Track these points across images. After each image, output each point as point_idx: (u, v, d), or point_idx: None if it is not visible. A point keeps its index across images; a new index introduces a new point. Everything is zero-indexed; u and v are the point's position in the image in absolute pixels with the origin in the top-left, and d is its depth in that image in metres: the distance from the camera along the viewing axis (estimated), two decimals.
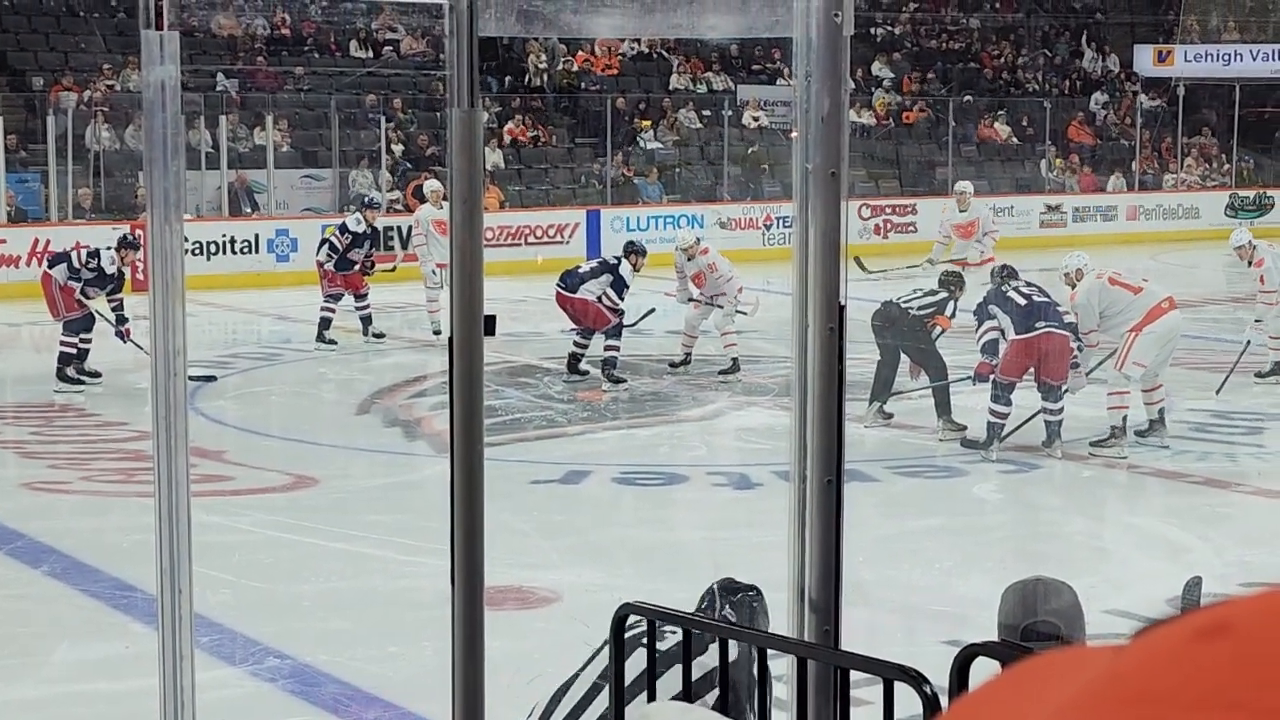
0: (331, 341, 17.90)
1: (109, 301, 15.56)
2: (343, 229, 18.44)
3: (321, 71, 29.24)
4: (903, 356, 13.76)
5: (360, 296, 18.30)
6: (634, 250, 16.16)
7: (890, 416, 13.63)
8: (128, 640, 8.35)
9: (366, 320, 18.32)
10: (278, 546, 10.37)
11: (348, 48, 30.13)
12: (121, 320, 15.63)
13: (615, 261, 15.98)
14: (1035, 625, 3.90)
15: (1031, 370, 12.48)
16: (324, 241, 18.85)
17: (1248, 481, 12.00)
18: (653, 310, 16.58)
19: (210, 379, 15.32)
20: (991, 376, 12.58)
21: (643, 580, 9.32)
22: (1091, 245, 30.34)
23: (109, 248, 15.78)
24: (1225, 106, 35.87)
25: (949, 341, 13.84)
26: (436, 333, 17.90)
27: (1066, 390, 12.55)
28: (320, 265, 18.40)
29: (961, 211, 19.73)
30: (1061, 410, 12.55)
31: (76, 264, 15.53)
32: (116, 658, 8.21)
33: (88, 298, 15.46)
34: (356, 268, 18.15)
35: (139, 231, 19.68)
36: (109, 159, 25.43)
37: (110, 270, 15.54)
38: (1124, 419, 12.69)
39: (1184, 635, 0.75)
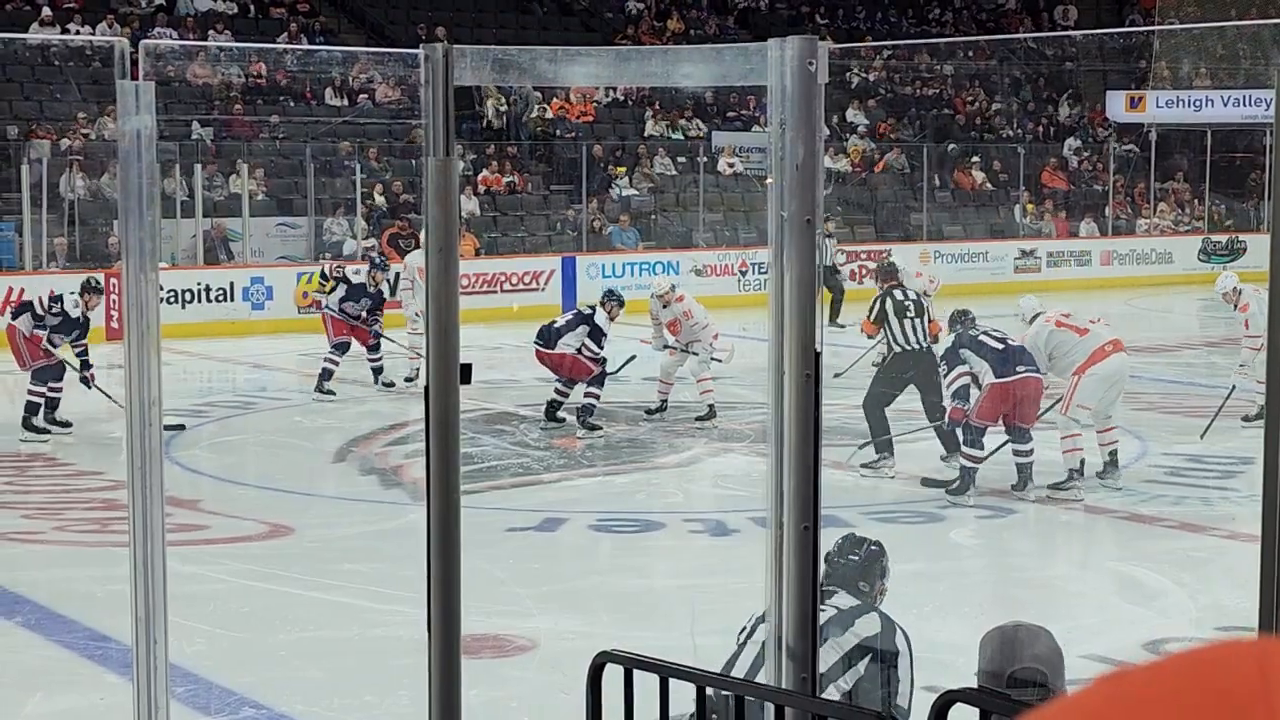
0: (330, 392, 17.83)
1: (74, 347, 15.51)
2: (342, 277, 18.40)
3: (297, 120, 29.27)
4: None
5: (372, 348, 18.20)
6: (612, 298, 16.17)
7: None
8: (102, 691, 8.30)
9: (377, 370, 18.24)
10: (253, 595, 10.32)
11: (323, 96, 30.18)
12: (86, 365, 15.58)
13: (590, 311, 15.98)
14: (1017, 672, 3.90)
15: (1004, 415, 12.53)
16: (324, 277, 18.81)
17: (1222, 525, 12.01)
18: (634, 357, 16.58)
19: (180, 428, 15.27)
20: (965, 421, 12.61)
21: (620, 628, 9.31)
22: (1066, 290, 30.53)
23: (72, 293, 15.73)
24: (1197, 152, 36.07)
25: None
26: (409, 379, 17.89)
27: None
28: (325, 315, 18.34)
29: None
30: (1031, 452, 12.61)
31: (40, 310, 15.49)
32: (90, 709, 8.17)
33: (54, 345, 15.41)
34: (359, 322, 18.06)
35: (104, 280, 19.74)
36: (83, 208, 25.40)
37: (75, 314, 15.48)
38: (1081, 461, 12.73)
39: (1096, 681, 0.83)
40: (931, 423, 13.85)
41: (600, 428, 15.48)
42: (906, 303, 14.11)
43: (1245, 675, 0.83)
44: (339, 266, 18.77)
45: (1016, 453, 12.62)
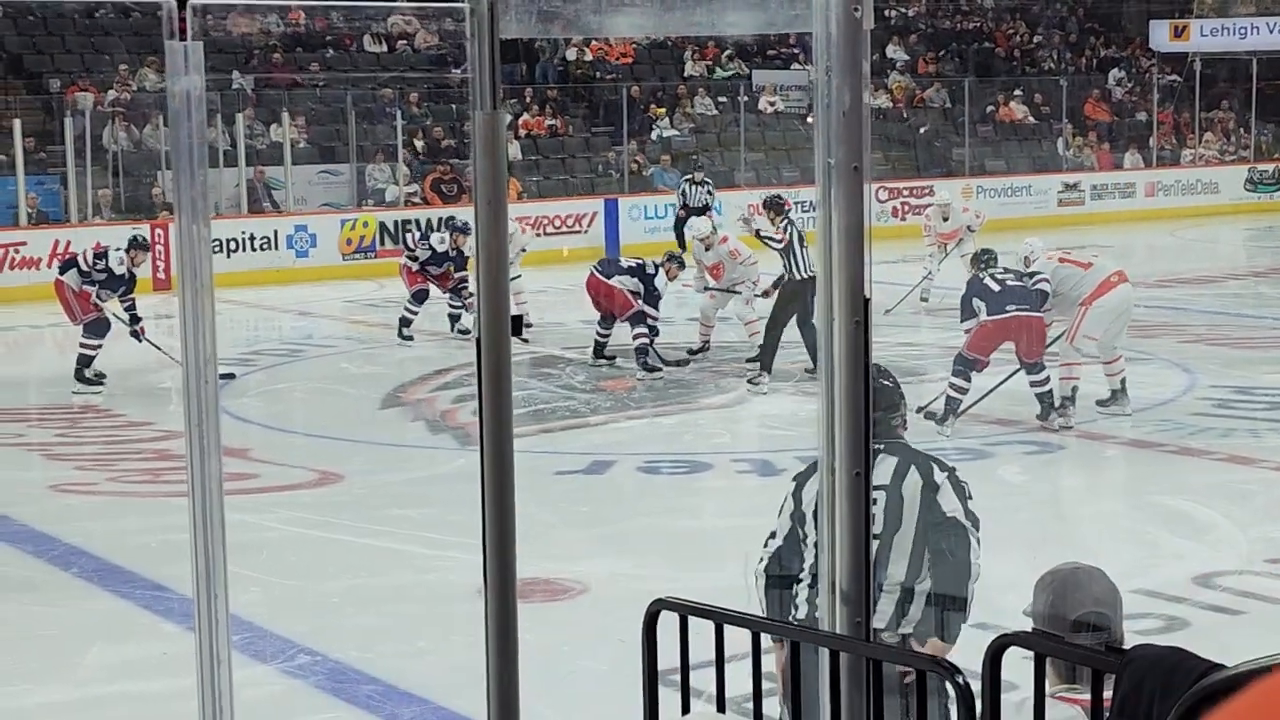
0: (409, 338, 17.87)
1: (121, 302, 15.59)
2: (426, 243, 18.34)
3: (336, 67, 29.28)
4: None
5: (455, 293, 18.06)
6: (673, 260, 16.23)
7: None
8: (160, 641, 8.39)
9: (455, 318, 18.18)
10: (305, 544, 10.41)
11: (362, 43, 30.17)
12: (135, 320, 15.66)
13: (653, 272, 15.93)
14: (1082, 616, 3.91)
15: (1013, 350, 12.92)
16: (407, 251, 18.65)
17: (1271, 458, 11.99)
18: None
19: (230, 376, 15.37)
20: (959, 351, 12.89)
21: (670, 569, 9.36)
22: (1110, 222, 30.41)
23: (117, 249, 15.80)
24: (1242, 80, 35.75)
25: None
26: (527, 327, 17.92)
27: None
28: (404, 267, 18.36)
29: (945, 220, 19.88)
30: (1047, 381, 12.91)
31: (85, 267, 15.57)
32: (149, 659, 8.25)
33: (102, 300, 15.50)
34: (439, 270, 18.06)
35: (149, 232, 19.78)
36: (127, 159, 25.49)
37: (120, 271, 15.55)
38: (1074, 389, 12.96)
39: None
40: (806, 344, 14.86)
41: (660, 369, 15.50)
42: (807, 232, 15.12)
43: None
44: None
45: (1032, 383, 12.96)
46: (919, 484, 5.24)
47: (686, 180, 26.90)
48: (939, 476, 5.32)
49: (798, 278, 15.06)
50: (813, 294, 14.68)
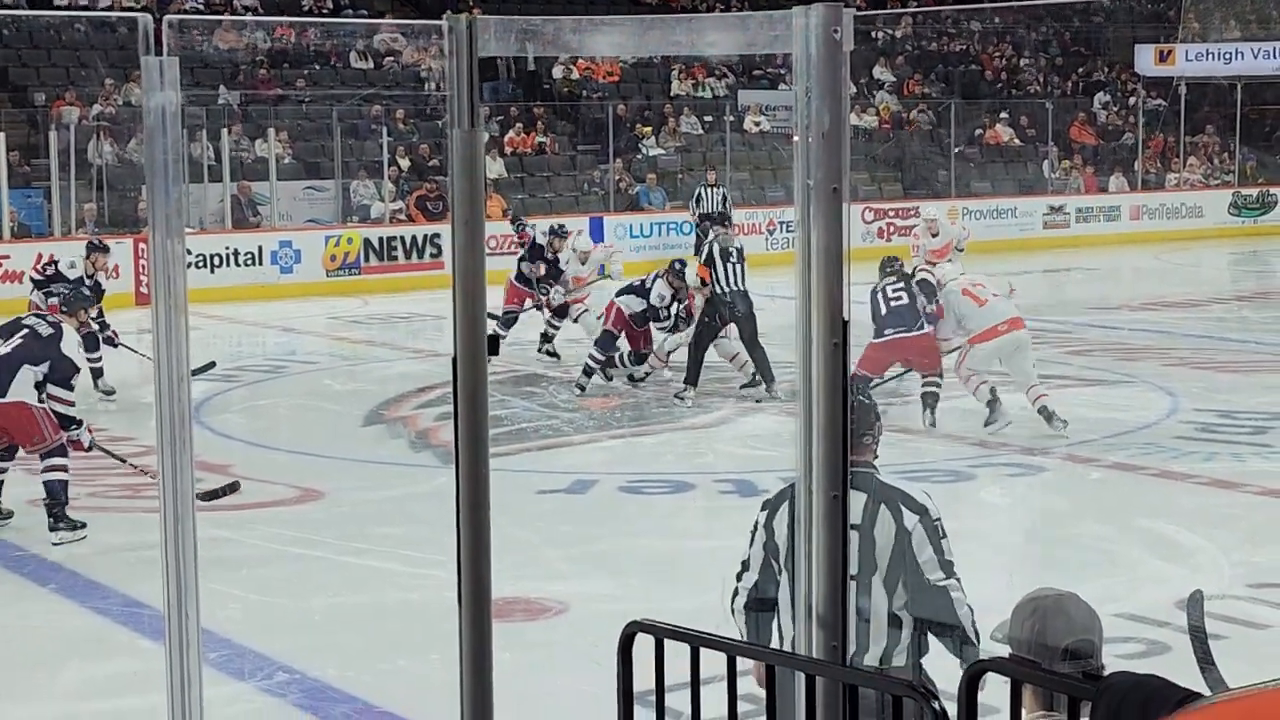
0: (554, 354, 17.69)
1: (89, 313, 15.48)
2: (530, 242, 18.07)
3: (322, 83, 29.27)
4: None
5: (558, 313, 17.78)
6: (673, 271, 15.87)
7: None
8: (136, 657, 8.35)
9: (546, 337, 17.85)
10: (285, 560, 10.36)
11: (349, 59, 30.15)
12: (104, 327, 15.58)
13: (651, 284, 15.82)
14: (1072, 645, 3.90)
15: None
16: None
17: (1255, 482, 11.98)
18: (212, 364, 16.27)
19: (211, 365, 15.36)
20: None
21: (651, 589, 9.33)
22: (1095, 245, 30.45)
23: (71, 264, 15.64)
24: (1227, 105, 35.85)
25: None
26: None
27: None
28: (513, 282, 17.96)
29: (933, 236, 19.91)
30: (934, 385, 13.62)
31: (40, 277, 15.52)
32: (125, 676, 8.21)
33: (67, 312, 15.34)
34: (532, 286, 17.80)
35: (132, 247, 19.67)
36: (111, 173, 25.46)
37: (73, 275, 15.39)
38: (992, 390, 13.46)
39: None
40: (752, 357, 15.17)
41: (583, 389, 15.59)
42: (730, 249, 15.33)
43: None
44: None
45: (925, 383, 13.76)
46: (892, 529, 5.12)
47: (701, 185, 26.84)
48: (909, 521, 5.17)
49: (717, 291, 15.13)
50: (743, 312, 15.10)
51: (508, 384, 15.93)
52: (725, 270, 15.13)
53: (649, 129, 30.74)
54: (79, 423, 11.19)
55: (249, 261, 24.34)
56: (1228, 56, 37.17)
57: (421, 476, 12.64)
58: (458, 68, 3.45)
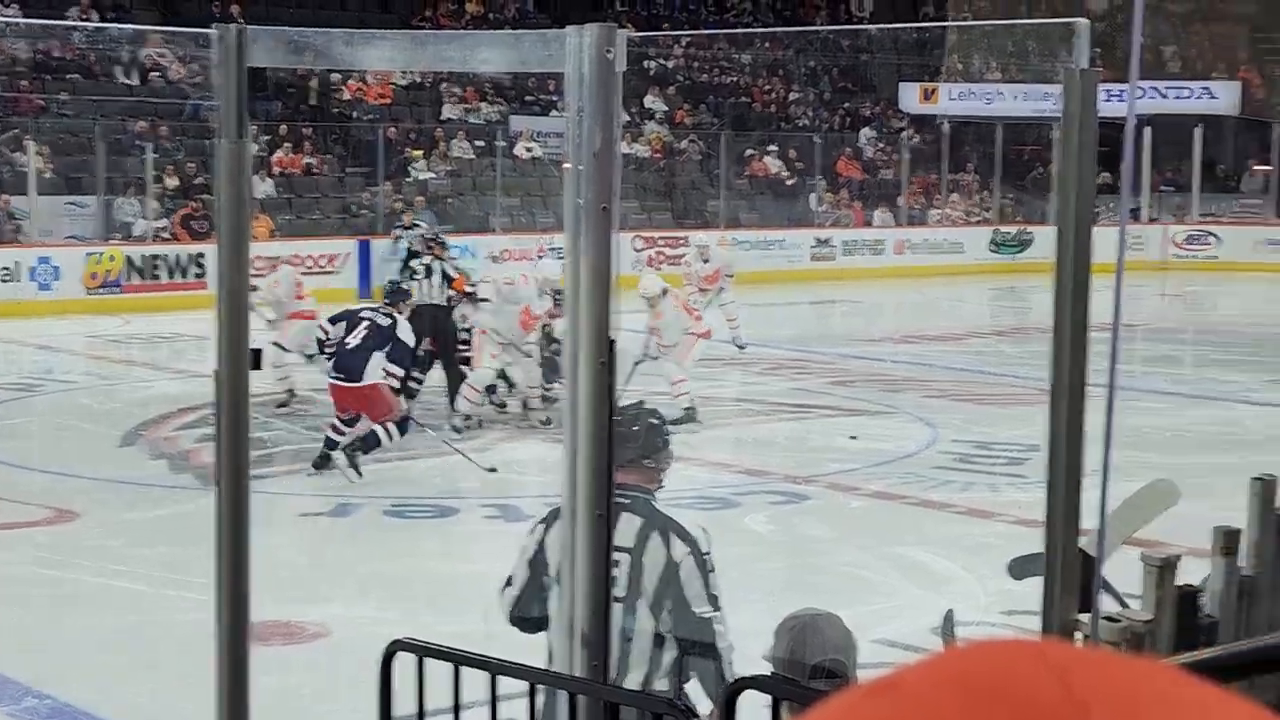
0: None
1: None
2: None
3: (86, 96, 28.66)
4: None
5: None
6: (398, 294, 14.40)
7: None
8: None
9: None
10: (38, 583, 10.11)
11: (113, 73, 29.58)
12: None
13: (389, 322, 13.44)
14: (819, 663, 3.94)
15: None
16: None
17: (1009, 512, 12.22)
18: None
19: None
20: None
21: (412, 613, 9.25)
22: (861, 279, 30.95)
23: None
24: (988, 144, 36.72)
25: None
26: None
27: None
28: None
29: (705, 262, 20.10)
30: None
31: None
32: None
33: None
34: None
35: None
36: None
37: None
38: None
39: (859, 694, 0.86)
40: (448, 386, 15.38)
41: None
42: (434, 264, 16.00)
43: (1039, 684, 0.82)
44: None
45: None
46: (662, 558, 5.10)
47: (399, 228, 24.71)
48: (679, 552, 5.15)
49: (426, 300, 15.43)
50: (441, 325, 15.37)
51: (270, 405, 15.71)
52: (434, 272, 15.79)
53: (419, 152, 30.61)
54: None
55: (6, 277, 23.75)
56: (989, 97, 38.09)
57: (181, 497, 12.39)
58: (226, 78, 3.39)
